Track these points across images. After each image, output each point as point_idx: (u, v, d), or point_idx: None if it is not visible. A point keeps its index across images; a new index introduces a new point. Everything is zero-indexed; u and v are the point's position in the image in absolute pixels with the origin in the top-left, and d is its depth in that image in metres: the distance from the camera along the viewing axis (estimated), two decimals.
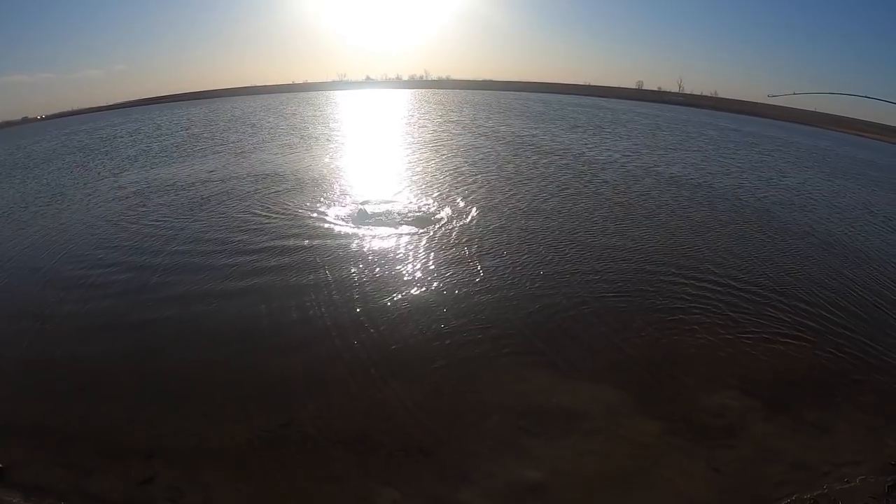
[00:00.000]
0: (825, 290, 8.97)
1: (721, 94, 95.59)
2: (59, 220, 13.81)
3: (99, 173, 21.15)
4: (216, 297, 8.40)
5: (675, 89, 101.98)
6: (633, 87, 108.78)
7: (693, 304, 8.08)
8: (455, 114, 42.00)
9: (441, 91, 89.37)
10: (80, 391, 6.24)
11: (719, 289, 8.66)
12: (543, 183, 16.13)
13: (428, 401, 5.86)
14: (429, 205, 13.32)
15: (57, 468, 4.99)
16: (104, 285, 9.13)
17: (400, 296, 8.28)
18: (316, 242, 10.61)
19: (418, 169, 18.32)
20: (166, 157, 24.34)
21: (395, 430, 5.42)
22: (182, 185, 16.82)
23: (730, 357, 6.77)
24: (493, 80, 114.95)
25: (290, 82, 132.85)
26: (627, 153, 23.31)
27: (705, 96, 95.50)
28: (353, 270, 9.23)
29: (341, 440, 5.29)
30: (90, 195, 16.62)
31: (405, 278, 8.96)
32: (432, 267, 9.37)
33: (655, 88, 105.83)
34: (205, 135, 32.46)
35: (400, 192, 14.96)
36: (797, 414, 5.71)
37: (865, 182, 22.05)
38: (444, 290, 8.45)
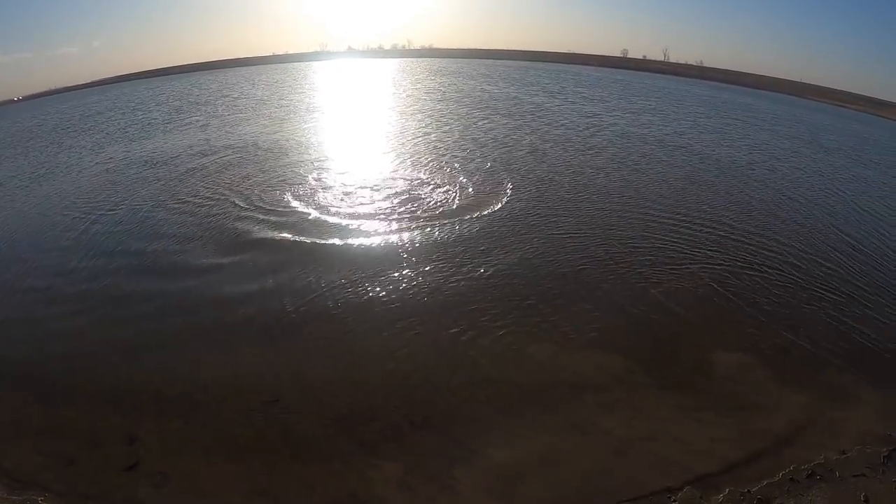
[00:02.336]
0: None
1: (707, 64, 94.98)
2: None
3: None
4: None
5: (661, 58, 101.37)
6: (619, 55, 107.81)
7: None
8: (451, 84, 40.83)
9: (426, 60, 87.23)
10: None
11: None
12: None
13: None
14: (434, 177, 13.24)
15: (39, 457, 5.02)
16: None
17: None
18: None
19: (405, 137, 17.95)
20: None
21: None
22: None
23: None
24: (478, 48, 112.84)
25: (271, 53, 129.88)
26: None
27: (690, 65, 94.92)
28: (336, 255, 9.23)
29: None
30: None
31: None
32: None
33: (640, 57, 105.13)
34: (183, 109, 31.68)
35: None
36: None
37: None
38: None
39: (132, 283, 8.49)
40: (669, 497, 4.43)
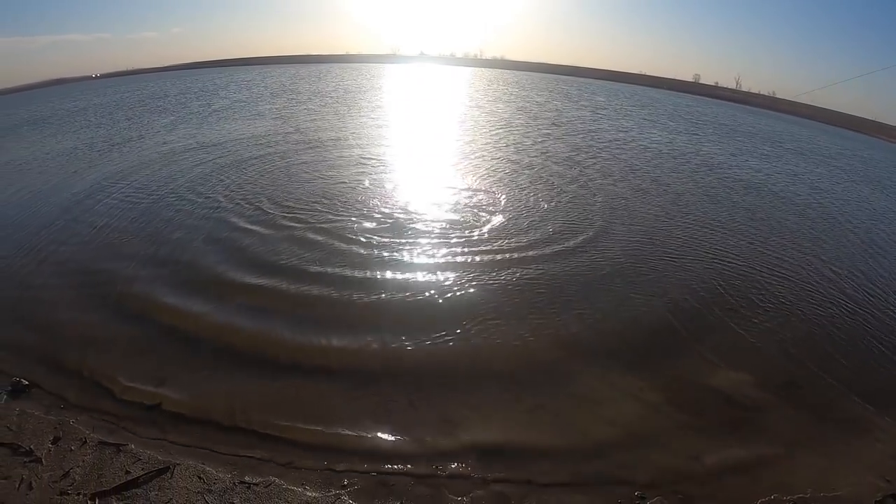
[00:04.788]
0: None
1: (779, 95, 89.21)
2: None
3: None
4: None
5: (733, 85, 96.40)
6: (690, 80, 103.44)
7: None
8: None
9: (498, 71, 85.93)
10: None
11: None
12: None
13: None
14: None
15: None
16: None
17: None
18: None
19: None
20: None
21: None
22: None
23: None
24: (547, 63, 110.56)
25: (344, 52, 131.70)
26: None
27: (762, 95, 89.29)
28: None
29: None
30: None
31: None
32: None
33: (713, 83, 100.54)
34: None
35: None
36: None
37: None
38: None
39: None
40: None
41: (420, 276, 7.24)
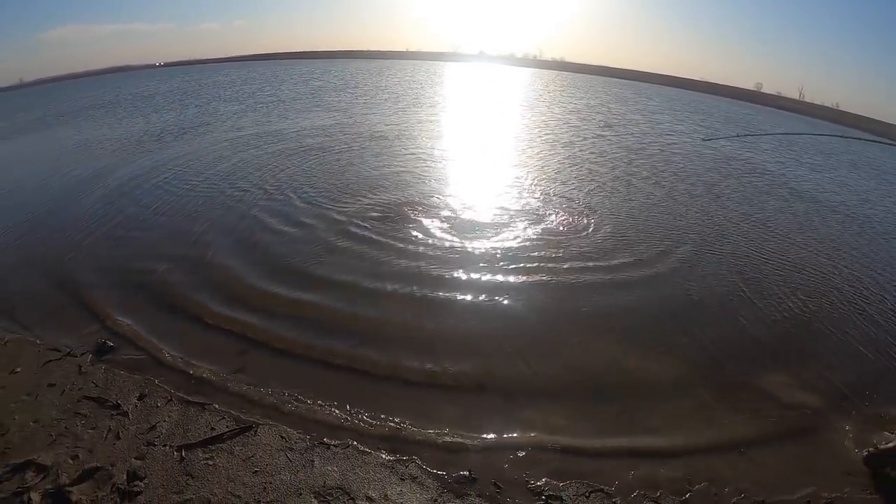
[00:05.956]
0: None
1: (843, 108, 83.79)
2: None
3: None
4: None
5: (796, 96, 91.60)
6: (752, 88, 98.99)
7: None
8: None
9: (559, 73, 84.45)
10: None
11: None
12: None
13: None
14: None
15: None
16: None
17: None
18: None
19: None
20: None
21: None
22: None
23: None
24: (608, 66, 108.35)
25: (405, 49, 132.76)
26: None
27: (826, 107, 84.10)
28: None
29: None
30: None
31: None
32: None
33: (774, 93, 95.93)
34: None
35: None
36: None
37: None
38: None
39: None
40: None
41: None
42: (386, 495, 3.54)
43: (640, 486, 3.73)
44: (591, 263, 7.34)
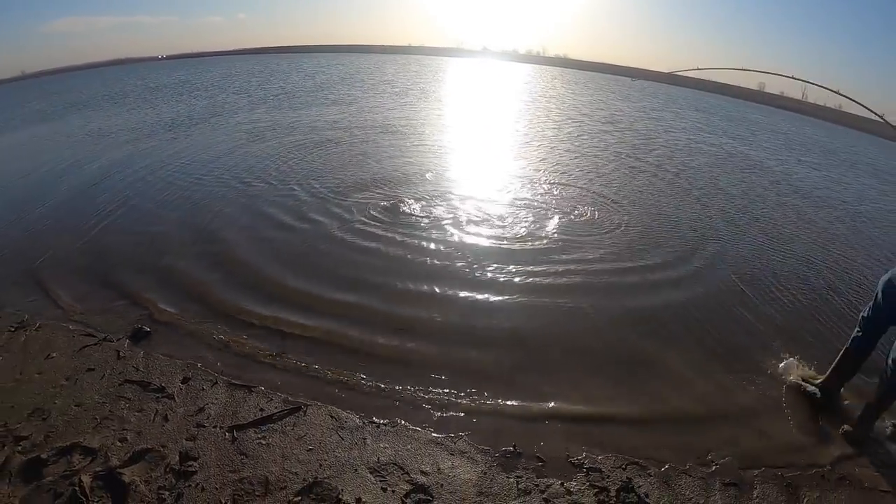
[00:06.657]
0: None
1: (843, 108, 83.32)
2: None
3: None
4: None
5: (798, 97, 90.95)
6: (755, 87, 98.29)
7: None
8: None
9: (562, 70, 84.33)
10: None
11: None
12: None
13: None
14: None
15: None
16: None
17: None
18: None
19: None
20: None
21: None
22: None
23: None
24: (611, 63, 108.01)
25: (406, 44, 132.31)
26: None
27: (829, 108, 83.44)
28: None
29: None
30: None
31: None
32: None
33: (777, 93, 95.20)
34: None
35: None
36: None
37: None
38: None
39: None
40: None
41: None
42: (439, 468, 3.63)
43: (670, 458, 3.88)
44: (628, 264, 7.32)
